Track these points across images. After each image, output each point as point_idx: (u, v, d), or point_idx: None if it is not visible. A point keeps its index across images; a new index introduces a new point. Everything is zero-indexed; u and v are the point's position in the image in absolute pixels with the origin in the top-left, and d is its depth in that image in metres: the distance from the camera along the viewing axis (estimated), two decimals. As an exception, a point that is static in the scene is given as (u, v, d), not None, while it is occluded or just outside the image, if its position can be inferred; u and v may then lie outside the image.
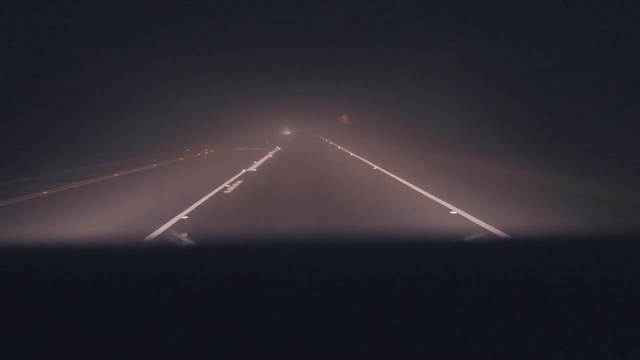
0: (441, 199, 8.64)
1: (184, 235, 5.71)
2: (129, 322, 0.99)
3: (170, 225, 6.77)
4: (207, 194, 9.77)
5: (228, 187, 10.91)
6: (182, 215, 7.43)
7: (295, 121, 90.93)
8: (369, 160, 18.62)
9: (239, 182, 12.01)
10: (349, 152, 25.42)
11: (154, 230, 6.28)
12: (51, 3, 20.74)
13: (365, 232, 3.57)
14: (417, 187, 10.30)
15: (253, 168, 16.07)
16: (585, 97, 13.74)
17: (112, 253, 1.59)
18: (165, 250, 1.85)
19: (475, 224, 6.68)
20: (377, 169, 15.20)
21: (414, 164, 16.96)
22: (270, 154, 24.20)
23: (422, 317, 1.00)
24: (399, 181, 11.78)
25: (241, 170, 14.95)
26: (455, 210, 7.58)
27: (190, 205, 8.35)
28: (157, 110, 32.49)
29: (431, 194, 9.33)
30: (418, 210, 7.98)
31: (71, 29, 23.27)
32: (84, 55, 23.61)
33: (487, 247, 1.84)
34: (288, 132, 76.68)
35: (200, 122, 41.89)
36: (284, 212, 7.97)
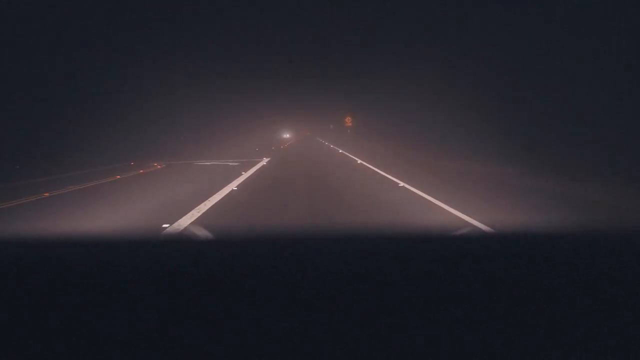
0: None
1: (190, 231, 5.04)
2: (126, 321, 0.92)
3: None
4: None
5: None
6: None
7: (296, 124, 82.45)
8: (445, 204, 6.44)
9: None
10: (378, 170, 13.47)
11: None
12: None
13: (359, 228, 3.16)
14: None
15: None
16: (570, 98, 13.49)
17: (114, 248, 1.49)
18: (171, 245, 1.63)
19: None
20: None
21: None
22: (240, 179, 12.09)
23: (422, 316, 0.94)
24: None
25: None
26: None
27: None
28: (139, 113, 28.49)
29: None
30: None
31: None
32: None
33: (477, 241, 1.71)
34: (288, 135, 68.94)
35: (193, 126, 38.25)
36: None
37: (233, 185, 10.74)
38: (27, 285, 1.08)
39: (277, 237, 1.63)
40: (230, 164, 18.14)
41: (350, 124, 52.97)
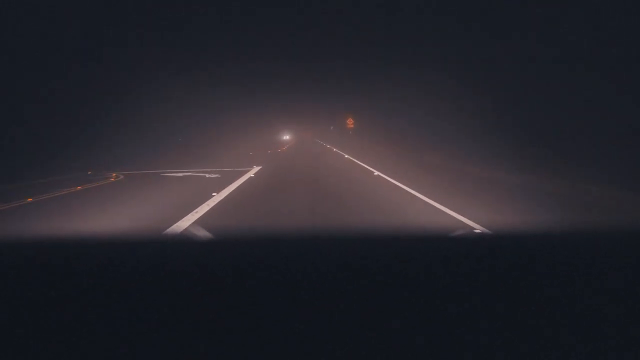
0: None
1: (191, 231, 5.07)
2: (126, 321, 0.88)
3: None
4: None
5: None
6: None
7: (295, 125, 79.12)
8: None
9: None
10: (411, 189, 8.93)
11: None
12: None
13: (359, 228, 2.92)
14: None
15: None
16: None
17: (118, 247, 1.45)
18: (171, 245, 1.55)
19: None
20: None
21: None
22: (204, 209, 7.47)
23: (422, 316, 0.91)
24: None
25: None
26: None
27: None
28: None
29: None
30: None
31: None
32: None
33: (477, 242, 1.61)
34: (287, 137, 66.12)
35: (193, 128, 37.26)
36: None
37: (184, 226, 6.09)
38: (27, 285, 1.04)
39: (277, 237, 1.59)
40: (208, 175, 13.55)
41: (352, 126, 49.22)
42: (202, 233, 2.79)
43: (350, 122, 49.81)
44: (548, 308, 0.92)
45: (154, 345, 0.82)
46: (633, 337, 0.84)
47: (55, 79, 22.07)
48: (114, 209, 8.09)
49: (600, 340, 0.84)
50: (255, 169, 15.77)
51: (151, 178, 13.45)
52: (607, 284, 1.02)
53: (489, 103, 17.64)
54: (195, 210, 7.28)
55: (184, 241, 1.85)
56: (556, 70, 13.63)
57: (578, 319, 0.90)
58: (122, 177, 13.86)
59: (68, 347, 0.82)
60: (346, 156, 22.88)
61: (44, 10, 22.45)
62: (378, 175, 13.13)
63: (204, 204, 7.94)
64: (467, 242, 1.61)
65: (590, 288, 1.00)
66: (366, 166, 16.24)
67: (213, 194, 9.25)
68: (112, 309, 0.92)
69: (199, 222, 6.48)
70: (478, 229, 5.64)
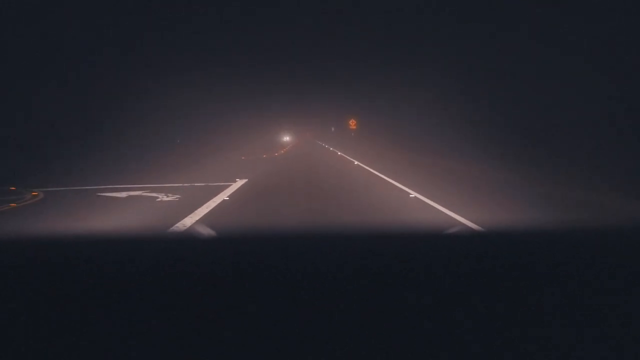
0: None
1: (192, 229, 5.06)
2: (126, 321, 0.87)
3: None
4: None
5: None
6: None
7: (295, 127, 76.23)
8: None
9: None
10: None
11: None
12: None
13: (360, 228, 2.80)
14: None
15: None
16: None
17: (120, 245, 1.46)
18: (171, 244, 1.54)
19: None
20: None
21: None
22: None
23: (422, 316, 0.89)
24: None
25: None
26: None
27: None
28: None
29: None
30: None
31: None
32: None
33: (477, 241, 1.58)
34: (287, 139, 63.75)
35: (194, 129, 35.81)
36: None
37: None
38: (27, 285, 1.02)
39: (277, 237, 1.58)
40: (162, 197, 9.05)
41: (354, 127, 46.16)
42: (202, 232, 2.63)
43: (352, 124, 46.48)
44: (548, 308, 0.90)
45: (154, 345, 0.81)
46: (633, 337, 0.83)
47: (52, 80, 21.37)
48: None
49: (600, 340, 0.83)
50: (238, 183, 11.28)
51: (78, 201, 8.99)
52: (607, 283, 1.00)
53: (494, 103, 17.23)
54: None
55: (184, 241, 1.76)
56: (556, 70, 13.25)
57: (578, 319, 0.88)
58: (41, 196, 9.42)
59: (68, 347, 0.81)
60: (355, 162, 18.41)
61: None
62: (416, 197, 8.66)
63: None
64: (467, 242, 1.57)
65: (590, 288, 0.98)
66: (389, 179, 11.75)
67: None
68: (111, 309, 0.90)
69: None
70: None
